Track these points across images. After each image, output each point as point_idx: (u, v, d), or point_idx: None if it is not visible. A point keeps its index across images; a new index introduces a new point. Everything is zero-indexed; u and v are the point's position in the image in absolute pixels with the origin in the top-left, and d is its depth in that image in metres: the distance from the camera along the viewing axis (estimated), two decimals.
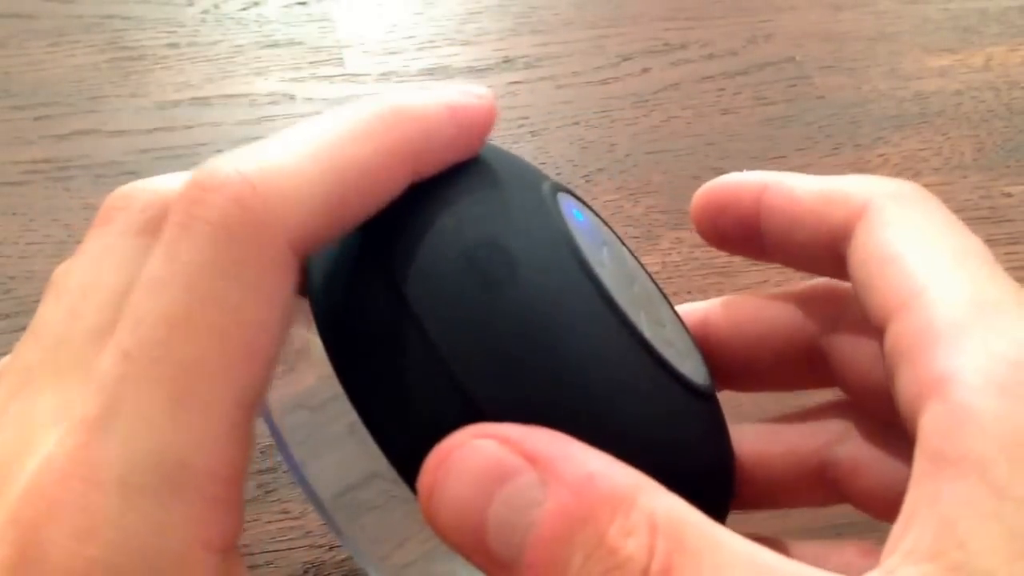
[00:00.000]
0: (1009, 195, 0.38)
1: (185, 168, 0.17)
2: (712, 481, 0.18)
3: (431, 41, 0.44)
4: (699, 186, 0.21)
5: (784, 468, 0.21)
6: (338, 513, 0.18)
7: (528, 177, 0.19)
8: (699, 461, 0.18)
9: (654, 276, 0.21)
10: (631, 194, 0.38)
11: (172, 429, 0.14)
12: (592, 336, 0.16)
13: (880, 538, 0.14)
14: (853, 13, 0.47)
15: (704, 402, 0.18)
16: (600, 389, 0.16)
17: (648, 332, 0.17)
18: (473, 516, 0.14)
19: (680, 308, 0.22)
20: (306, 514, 0.28)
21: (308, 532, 0.27)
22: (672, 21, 0.46)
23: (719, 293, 0.34)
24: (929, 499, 0.14)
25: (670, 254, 0.36)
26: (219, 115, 0.40)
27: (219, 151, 0.33)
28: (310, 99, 0.41)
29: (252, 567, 0.27)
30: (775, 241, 0.20)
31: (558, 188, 0.19)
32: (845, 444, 0.20)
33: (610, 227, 0.21)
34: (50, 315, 0.16)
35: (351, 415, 0.16)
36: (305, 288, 0.17)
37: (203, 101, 0.40)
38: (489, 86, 0.42)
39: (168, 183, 0.18)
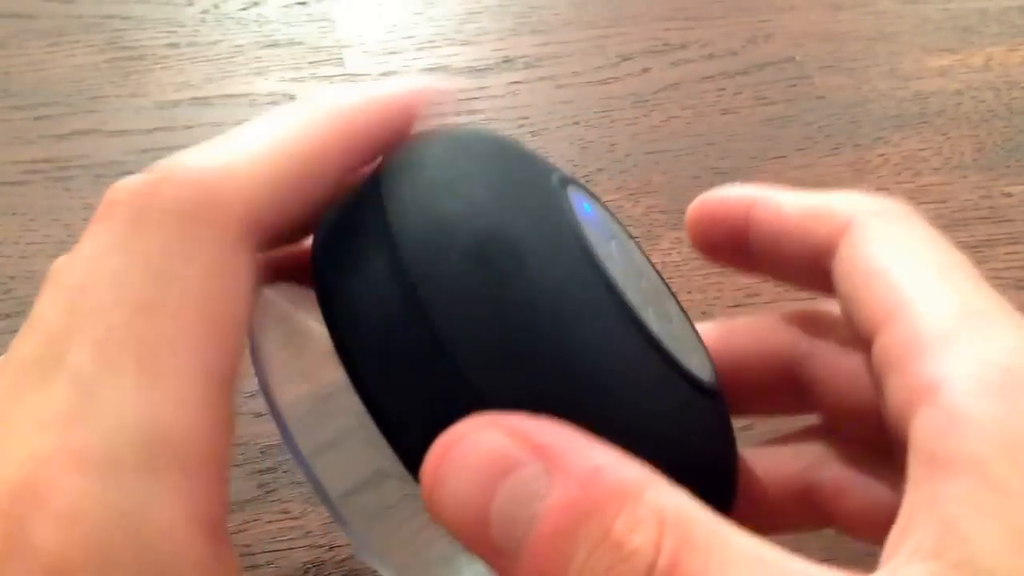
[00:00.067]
0: (1009, 195, 0.38)
1: None
2: (717, 477, 0.18)
3: (431, 41, 0.44)
4: (699, 186, 0.21)
5: (767, 492, 0.21)
6: (344, 507, 0.18)
7: (537, 168, 0.19)
8: (704, 457, 0.18)
9: None
10: (631, 194, 0.38)
11: (146, 405, 0.14)
12: (599, 329, 0.16)
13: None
14: (853, 13, 0.47)
15: (709, 398, 0.18)
16: (606, 382, 0.16)
17: (655, 327, 0.17)
18: (477, 507, 0.14)
19: None
20: (306, 514, 0.28)
21: (308, 532, 0.27)
22: (672, 21, 0.46)
23: (719, 293, 0.34)
24: (927, 501, 0.14)
25: (670, 254, 0.36)
26: (219, 115, 0.40)
27: None
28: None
29: (252, 567, 0.27)
30: (763, 255, 0.20)
31: (567, 180, 0.19)
32: (827, 467, 0.20)
33: (618, 221, 0.21)
34: (46, 310, 0.16)
35: (359, 408, 0.16)
36: (312, 278, 0.17)
37: (203, 101, 0.40)
38: (489, 86, 0.42)
39: None
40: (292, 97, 0.41)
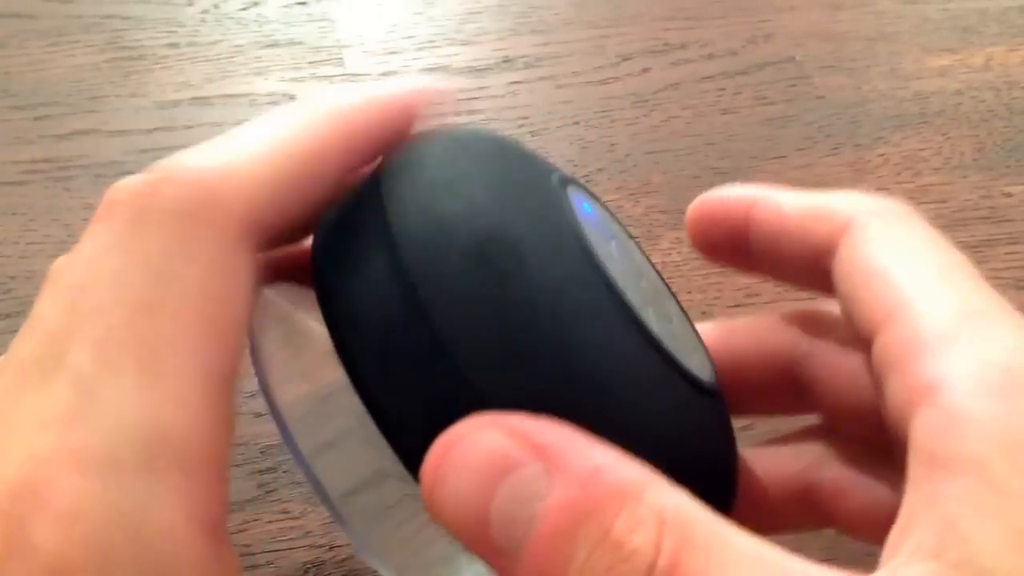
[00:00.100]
0: (1009, 195, 0.38)
1: None
2: (717, 477, 0.18)
3: (431, 41, 0.44)
4: (699, 186, 0.21)
5: (767, 492, 0.21)
6: (345, 507, 0.18)
7: (537, 168, 0.19)
8: (704, 457, 0.18)
9: None
10: (631, 194, 0.38)
11: (146, 405, 0.14)
12: (599, 329, 0.16)
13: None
14: (853, 13, 0.47)
15: (709, 398, 0.18)
16: (606, 382, 0.16)
17: (655, 327, 0.17)
18: (476, 507, 0.14)
19: None
20: (306, 514, 0.28)
21: (308, 532, 0.27)
22: (672, 21, 0.46)
23: (719, 293, 0.34)
24: (928, 500, 0.14)
25: (670, 254, 0.36)
26: (219, 115, 0.40)
27: None
28: None
29: (252, 567, 0.27)
30: (762, 254, 0.20)
31: (567, 180, 0.19)
32: (827, 467, 0.20)
33: (618, 221, 0.21)
34: (46, 310, 0.16)
35: (359, 408, 0.16)
36: (312, 278, 0.17)
37: (203, 101, 0.40)
38: (489, 86, 0.42)
39: None
40: (292, 97, 0.41)
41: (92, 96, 0.40)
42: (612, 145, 0.40)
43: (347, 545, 0.27)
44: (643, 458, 0.14)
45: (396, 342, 0.16)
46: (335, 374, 0.16)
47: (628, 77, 0.43)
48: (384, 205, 0.17)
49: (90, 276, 0.16)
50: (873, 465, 0.19)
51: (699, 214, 0.21)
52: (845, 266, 0.18)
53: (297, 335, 0.19)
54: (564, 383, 0.15)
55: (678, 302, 0.21)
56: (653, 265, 0.21)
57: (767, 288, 0.34)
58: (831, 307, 0.20)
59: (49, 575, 0.14)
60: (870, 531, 0.19)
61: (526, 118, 0.41)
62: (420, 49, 0.44)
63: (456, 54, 0.43)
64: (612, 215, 0.21)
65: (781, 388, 0.21)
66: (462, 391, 0.15)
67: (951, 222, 0.37)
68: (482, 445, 0.14)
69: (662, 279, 0.21)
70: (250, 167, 0.16)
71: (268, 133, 0.17)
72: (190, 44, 0.43)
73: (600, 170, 0.39)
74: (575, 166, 0.39)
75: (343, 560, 0.27)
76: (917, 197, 0.38)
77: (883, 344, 0.16)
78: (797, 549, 0.13)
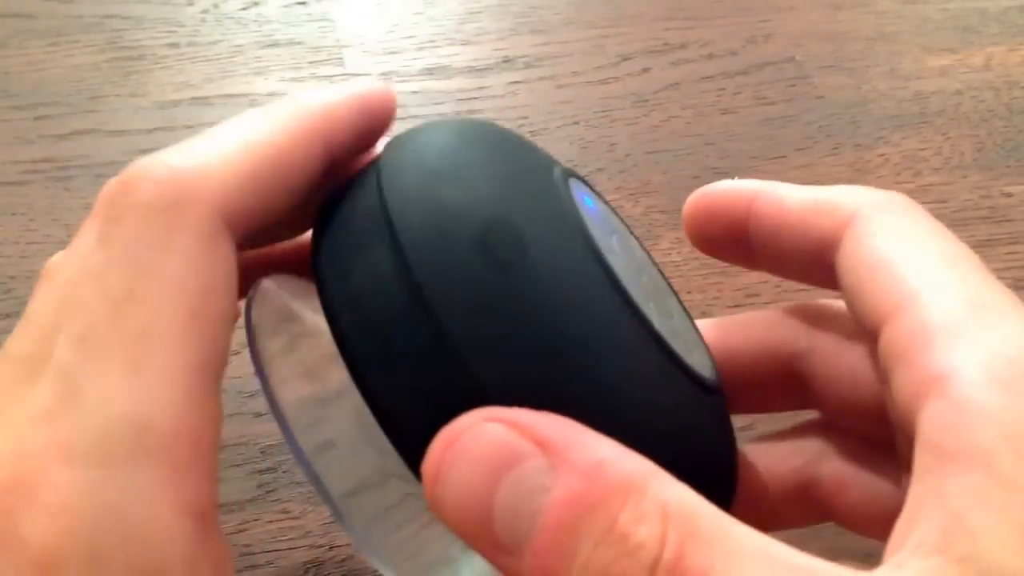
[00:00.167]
0: (1009, 195, 0.38)
1: None
2: (717, 473, 0.18)
3: (431, 41, 0.44)
4: (699, 186, 0.21)
5: (768, 488, 0.21)
6: (346, 507, 0.18)
7: (540, 161, 0.19)
8: (705, 452, 0.18)
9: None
10: (631, 194, 0.38)
11: (130, 396, 0.14)
12: (601, 322, 0.16)
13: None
14: (853, 13, 0.47)
15: (710, 395, 0.18)
16: (608, 376, 0.16)
17: (656, 322, 0.17)
18: (479, 501, 0.14)
19: None
20: (306, 514, 0.28)
21: (308, 532, 0.27)
22: (672, 21, 0.46)
23: (719, 293, 0.34)
24: (934, 493, 0.13)
25: (670, 254, 0.36)
26: (219, 115, 0.39)
27: None
28: None
29: (252, 567, 0.27)
30: (763, 248, 0.20)
31: (570, 173, 0.19)
32: (828, 462, 0.20)
33: (619, 216, 0.21)
34: (38, 308, 0.16)
35: (360, 406, 0.16)
36: (313, 275, 0.17)
37: (203, 101, 0.40)
38: (489, 86, 0.42)
39: None
40: None
41: (92, 96, 0.40)
42: (612, 145, 0.40)
43: (347, 545, 0.27)
44: (644, 453, 0.14)
45: (397, 333, 0.16)
46: (337, 373, 0.16)
47: (628, 77, 0.43)
48: (385, 200, 0.16)
49: (77, 272, 0.16)
50: (873, 460, 0.19)
51: (697, 208, 0.21)
52: (850, 259, 0.18)
53: (298, 333, 0.19)
54: (566, 376, 0.15)
55: (679, 299, 0.21)
56: (655, 261, 0.21)
57: (767, 288, 0.34)
58: (830, 302, 0.20)
59: (38, 568, 0.14)
60: (871, 526, 0.19)
61: (526, 118, 0.41)
62: (420, 49, 0.44)
63: (456, 54, 0.43)
64: (613, 210, 0.21)
65: (781, 384, 0.21)
66: (465, 386, 0.15)
67: (951, 222, 0.37)
68: (485, 439, 0.14)
69: (663, 275, 0.21)
70: (224, 160, 0.17)
71: (242, 128, 0.18)
72: (190, 44, 0.43)
73: (600, 170, 0.39)
74: (575, 166, 0.39)
75: (343, 560, 0.27)
76: (917, 197, 0.37)
77: (890, 336, 0.16)
78: (798, 548, 0.13)
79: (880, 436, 0.18)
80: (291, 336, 0.19)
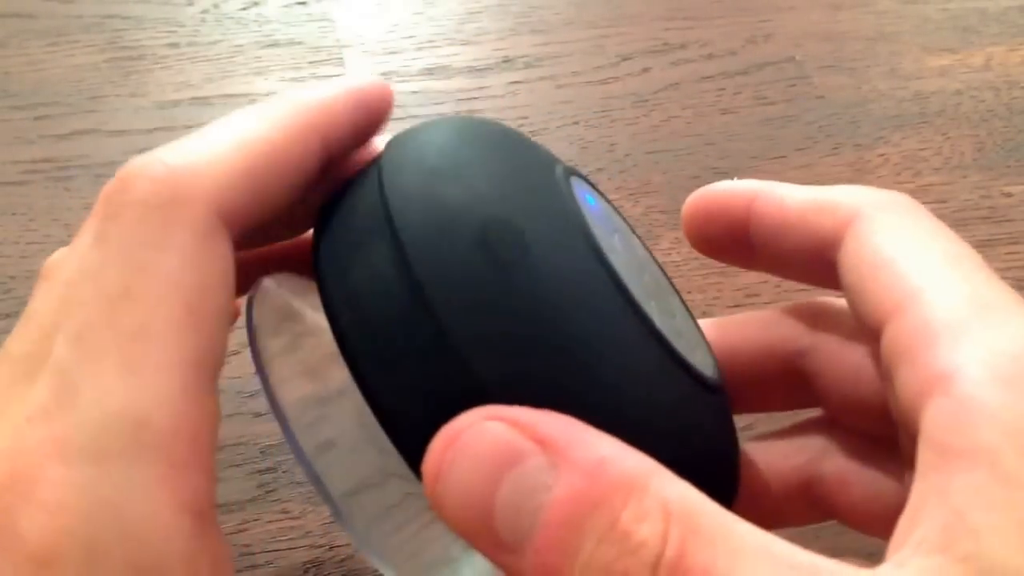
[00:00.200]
0: (1009, 195, 0.38)
1: None
2: (718, 472, 0.18)
3: (431, 41, 0.44)
4: (699, 186, 0.21)
5: (770, 486, 0.21)
6: (347, 506, 0.18)
7: (542, 159, 0.19)
8: (706, 451, 0.18)
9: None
10: (631, 194, 0.38)
11: (126, 393, 0.14)
12: (603, 321, 0.16)
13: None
14: (853, 13, 0.47)
15: (712, 393, 0.18)
16: (610, 375, 0.16)
17: (658, 321, 0.17)
18: (480, 500, 0.14)
19: None
20: (306, 514, 0.28)
21: (308, 532, 0.27)
22: (672, 21, 0.46)
23: (719, 293, 0.34)
24: (937, 491, 0.13)
25: (670, 254, 0.36)
26: (219, 115, 0.39)
27: None
28: None
29: (252, 567, 0.27)
30: (764, 248, 0.20)
31: (571, 171, 0.19)
32: (829, 460, 0.20)
33: (621, 215, 0.21)
34: (37, 307, 0.16)
35: (361, 406, 0.16)
36: (314, 274, 0.17)
37: (203, 101, 0.40)
38: (489, 86, 0.42)
39: None
40: None
41: (92, 96, 0.40)
42: (612, 145, 0.40)
43: (347, 545, 0.27)
44: (645, 451, 0.14)
45: (400, 337, 0.16)
46: (338, 372, 0.16)
47: (628, 77, 0.43)
48: (386, 198, 0.16)
49: (76, 271, 0.16)
50: (876, 457, 0.19)
51: (696, 208, 0.21)
52: (852, 257, 0.18)
53: (299, 332, 0.19)
54: (567, 374, 0.15)
55: (681, 298, 0.21)
56: (656, 260, 0.21)
57: (767, 288, 0.34)
58: (831, 300, 0.20)
59: (35, 564, 0.14)
60: (873, 524, 0.19)
61: (526, 118, 0.41)
62: (420, 49, 0.44)
63: (456, 54, 0.43)
64: (615, 209, 0.20)
65: (783, 382, 0.21)
66: (466, 384, 0.15)
67: (951, 222, 0.36)
68: (486, 437, 0.14)
69: (665, 274, 0.21)
70: (220, 157, 0.17)
71: (238, 125, 0.18)
72: (190, 44, 0.43)
73: (600, 170, 0.39)
74: (575, 166, 0.39)
75: (343, 560, 0.27)
76: (917, 197, 0.37)
77: (892, 334, 0.16)
78: (800, 547, 0.13)
79: (883, 433, 0.18)
80: (292, 335, 0.19)
